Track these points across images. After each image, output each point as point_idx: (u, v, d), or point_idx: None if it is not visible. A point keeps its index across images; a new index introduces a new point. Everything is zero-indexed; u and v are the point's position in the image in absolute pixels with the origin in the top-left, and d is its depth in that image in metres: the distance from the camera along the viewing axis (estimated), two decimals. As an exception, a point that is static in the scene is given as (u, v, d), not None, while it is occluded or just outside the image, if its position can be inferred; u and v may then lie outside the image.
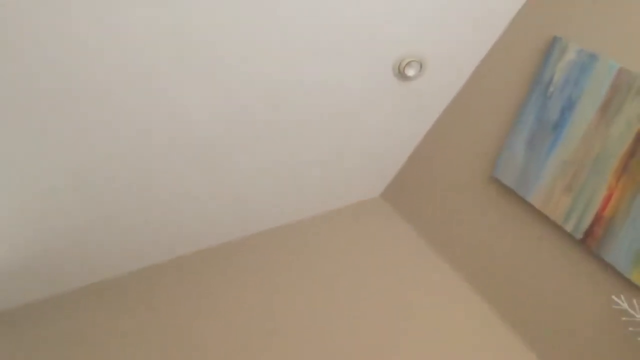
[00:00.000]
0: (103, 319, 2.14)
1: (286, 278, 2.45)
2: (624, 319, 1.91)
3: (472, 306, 2.43)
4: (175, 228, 2.34)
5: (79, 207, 1.95)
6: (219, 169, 2.19)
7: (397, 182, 2.99)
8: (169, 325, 2.16)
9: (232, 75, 1.83)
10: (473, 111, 2.46)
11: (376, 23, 1.93)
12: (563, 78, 1.99)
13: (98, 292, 2.26)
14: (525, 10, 2.19)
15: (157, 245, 2.35)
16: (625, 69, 1.79)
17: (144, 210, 2.14)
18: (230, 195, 2.37)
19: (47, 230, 1.94)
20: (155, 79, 1.68)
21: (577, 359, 2.09)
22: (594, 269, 2.00)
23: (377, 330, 2.25)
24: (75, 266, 2.17)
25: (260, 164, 2.30)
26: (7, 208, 1.77)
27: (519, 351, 2.25)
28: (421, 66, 2.20)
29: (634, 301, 1.88)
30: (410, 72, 2.19)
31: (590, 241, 1.96)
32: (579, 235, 1.99)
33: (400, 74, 2.20)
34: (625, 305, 1.87)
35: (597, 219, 1.92)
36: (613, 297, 1.93)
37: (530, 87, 2.14)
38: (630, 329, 1.89)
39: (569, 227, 2.02)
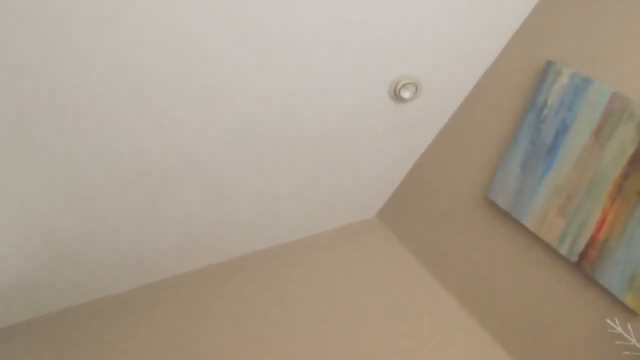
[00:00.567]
0: (101, 337, 2.12)
1: (281, 298, 2.43)
2: (618, 342, 1.91)
3: (467, 328, 2.41)
4: (172, 247, 2.33)
5: (76, 224, 1.94)
6: (215, 189, 2.19)
7: (393, 203, 3.00)
8: (168, 342, 2.14)
9: (230, 97, 1.84)
10: (468, 133, 2.48)
11: (372, 45, 1.95)
12: (557, 102, 2.01)
13: (97, 309, 2.24)
14: (520, 34, 2.21)
15: (154, 263, 2.34)
16: (618, 93, 1.81)
17: (141, 228, 2.14)
18: (225, 215, 2.37)
19: (42, 248, 1.93)
20: (154, 99, 1.69)
21: (572, 383, 2.08)
22: (588, 291, 2.00)
23: (371, 352, 2.24)
24: (73, 284, 2.15)
25: (257, 184, 2.31)
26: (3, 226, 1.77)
27: (513, 374, 2.24)
28: (417, 88, 2.21)
29: (628, 325, 1.88)
30: (405, 94, 2.21)
31: (584, 264, 1.96)
32: (574, 258, 1.99)
33: (396, 95, 2.22)
34: (619, 329, 1.87)
35: (592, 241, 1.93)
36: (607, 320, 1.93)
37: (524, 110, 2.16)
38: (626, 352, 1.89)
39: (563, 250, 2.02)
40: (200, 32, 1.58)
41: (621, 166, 1.82)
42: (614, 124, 1.83)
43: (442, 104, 2.45)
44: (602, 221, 1.89)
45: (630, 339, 1.84)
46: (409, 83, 2.18)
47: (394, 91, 2.20)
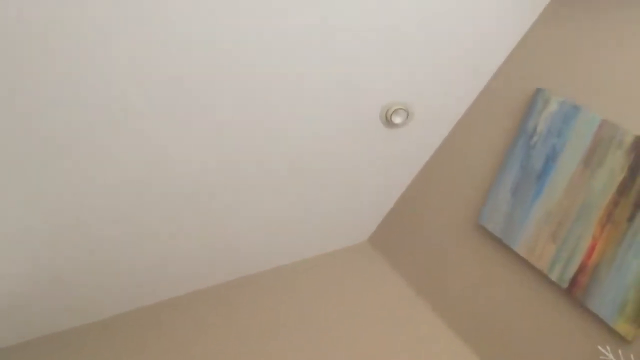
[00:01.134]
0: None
1: (272, 323, 2.41)
2: (610, 369, 1.90)
3: (458, 352, 2.40)
4: (163, 271, 2.31)
5: (66, 248, 1.92)
6: (207, 214, 2.18)
7: (384, 228, 3.00)
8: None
9: (222, 125, 1.85)
10: (459, 159, 2.49)
11: (364, 71, 1.97)
12: (546, 129, 2.03)
13: (85, 334, 2.21)
14: (509, 61, 2.25)
15: (144, 288, 2.32)
16: (607, 121, 1.83)
17: (132, 253, 2.12)
18: (217, 240, 2.35)
19: (33, 272, 1.91)
20: (152, 129, 1.70)
21: (564, 410, 2.06)
22: (580, 318, 1.99)
23: (362, 379, 2.22)
24: (63, 308, 2.13)
25: (249, 208, 2.30)
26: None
27: (505, 402, 2.22)
28: (408, 114, 2.23)
29: (619, 351, 1.88)
30: (397, 119, 2.22)
31: (575, 290, 1.96)
32: (565, 284, 1.99)
33: (387, 121, 2.23)
34: (611, 356, 1.86)
35: (582, 268, 1.93)
36: (599, 347, 1.92)
37: (514, 136, 2.18)
38: (617, 380, 1.88)
39: (554, 276, 2.03)
40: (197, 65, 1.60)
41: (611, 193, 1.83)
42: (603, 151, 1.84)
43: (433, 129, 2.47)
44: (593, 247, 1.90)
45: (622, 366, 1.84)
46: (400, 108, 2.19)
47: (386, 116, 2.21)
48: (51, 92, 1.45)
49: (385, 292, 2.73)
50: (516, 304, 2.23)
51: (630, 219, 1.78)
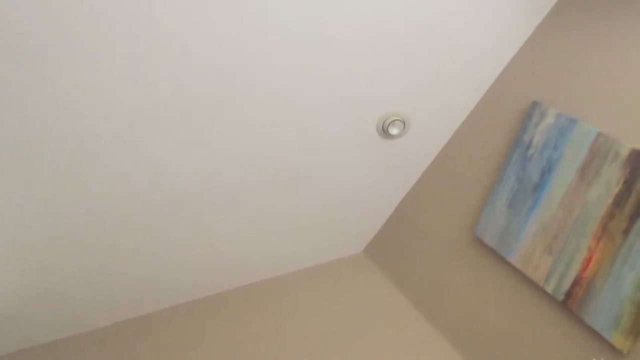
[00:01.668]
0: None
1: (266, 334, 2.40)
2: (605, 383, 1.90)
3: (454, 367, 2.39)
4: (156, 282, 2.30)
5: (63, 258, 1.91)
6: (203, 224, 2.18)
7: (380, 239, 2.99)
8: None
9: (220, 137, 1.85)
10: (455, 170, 2.50)
11: (361, 82, 1.98)
12: (542, 141, 2.03)
13: (79, 343, 2.19)
14: (505, 74, 2.26)
15: (138, 298, 2.31)
16: (603, 133, 1.84)
17: (128, 262, 2.11)
18: (213, 250, 2.35)
19: (29, 281, 1.90)
20: (148, 142, 1.70)
21: None
22: (575, 330, 1.99)
23: (357, 391, 2.20)
24: (59, 316, 2.11)
25: (244, 219, 2.30)
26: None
27: (500, 415, 2.20)
28: (404, 125, 2.24)
29: (615, 365, 1.87)
30: (393, 130, 2.23)
31: (571, 303, 1.96)
32: (560, 297, 1.99)
33: (384, 132, 2.24)
34: (606, 369, 1.86)
35: (578, 280, 1.93)
36: (594, 360, 1.92)
37: (510, 148, 2.18)
38: (613, 393, 1.87)
39: (549, 288, 2.03)
40: (196, 80, 1.60)
41: (606, 205, 1.84)
42: (599, 164, 1.85)
43: (429, 141, 2.48)
44: (588, 260, 1.90)
45: (617, 379, 1.83)
46: (397, 120, 2.20)
47: (382, 128, 2.22)
48: (47, 103, 1.45)
49: (380, 303, 2.72)
50: (512, 316, 2.23)
51: (626, 231, 1.79)
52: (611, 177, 1.82)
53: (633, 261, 1.77)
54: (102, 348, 2.19)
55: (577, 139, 1.92)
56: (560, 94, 2.04)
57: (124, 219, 1.94)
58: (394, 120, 2.20)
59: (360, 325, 2.55)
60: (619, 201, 1.80)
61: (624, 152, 1.79)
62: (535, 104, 2.06)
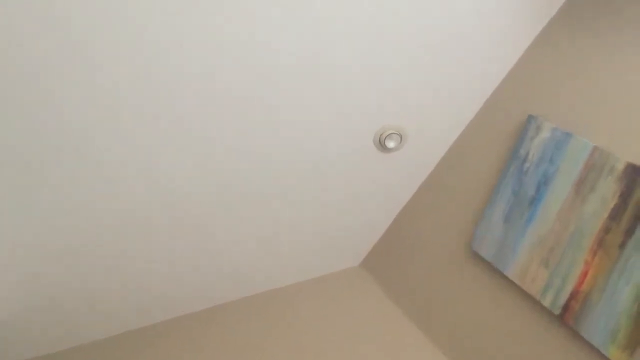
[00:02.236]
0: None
1: (261, 347, 2.38)
2: (603, 398, 1.89)
3: (450, 382, 2.38)
4: (153, 294, 2.29)
5: (62, 271, 1.90)
6: (200, 237, 2.17)
7: (377, 252, 2.99)
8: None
9: (220, 150, 1.85)
10: (451, 184, 2.50)
11: (358, 95, 1.99)
12: (538, 155, 2.04)
13: (81, 355, 2.18)
14: (501, 88, 2.27)
15: (134, 310, 2.29)
16: (599, 147, 1.85)
17: (127, 274, 2.10)
18: (209, 263, 2.34)
19: (27, 293, 1.89)
20: (151, 153, 1.70)
21: None
22: (572, 345, 1.99)
23: (353, 405, 2.19)
24: (58, 328, 2.10)
25: (240, 231, 2.29)
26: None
27: None
28: (401, 138, 2.25)
29: (613, 380, 1.87)
30: (390, 143, 2.24)
31: (568, 317, 1.95)
32: (557, 311, 1.99)
33: (380, 145, 2.24)
34: (603, 384, 1.85)
35: (574, 294, 1.93)
36: (591, 374, 1.91)
37: (507, 162, 2.19)
38: (610, 408, 1.86)
39: (546, 302, 2.02)
40: (197, 95, 1.61)
41: (602, 219, 1.84)
42: (594, 178, 1.86)
43: (426, 154, 2.49)
44: (585, 274, 1.90)
45: (615, 394, 1.82)
46: (393, 133, 2.21)
47: (379, 141, 2.22)
48: (48, 115, 1.46)
49: (377, 316, 2.71)
50: (509, 330, 2.22)
51: (622, 245, 1.79)
52: (607, 191, 1.83)
53: (629, 275, 1.77)
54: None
55: (572, 153, 1.93)
56: (556, 108, 2.06)
57: (123, 231, 1.93)
58: (390, 134, 2.20)
59: (356, 339, 2.54)
60: (615, 215, 1.81)
61: (620, 166, 1.79)
62: (530, 118, 2.07)
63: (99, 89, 1.48)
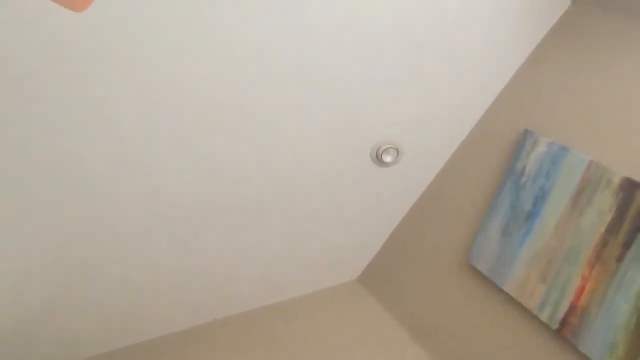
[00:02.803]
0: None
1: (258, 363, 2.37)
2: (601, 412, 1.88)
3: (449, 397, 2.36)
4: (147, 311, 2.27)
5: (55, 284, 1.89)
6: (195, 252, 2.17)
7: (374, 267, 2.98)
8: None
9: (217, 163, 1.86)
10: (448, 198, 2.51)
11: (355, 111, 2.00)
12: (535, 169, 2.05)
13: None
14: (497, 103, 2.29)
15: (128, 327, 2.28)
16: (595, 161, 1.86)
17: (119, 291, 2.09)
18: (205, 278, 2.33)
19: (22, 306, 1.87)
20: (146, 164, 1.70)
21: None
22: (570, 359, 1.98)
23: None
24: (52, 344, 2.08)
25: (237, 246, 2.29)
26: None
27: None
28: (398, 153, 2.25)
29: (611, 394, 1.86)
30: (387, 158, 2.24)
31: (565, 331, 1.95)
32: (555, 325, 1.98)
33: (377, 159, 2.25)
34: (602, 398, 1.84)
35: (572, 308, 1.93)
36: (590, 389, 1.91)
37: (503, 176, 2.20)
38: (609, 423, 1.86)
39: (544, 317, 2.02)
40: (195, 108, 1.62)
41: (599, 233, 1.85)
42: (591, 192, 1.87)
43: (423, 168, 2.50)
44: (582, 288, 1.90)
45: (614, 409, 1.81)
46: (390, 147, 2.22)
47: (376, 155, 2.23)
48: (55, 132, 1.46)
49: (374, 331, 2.70)
50: (506, 344, 2.21)
51: (619, 259, 1.79)
52: (603, 205, 1.84)
53: (627, 289, 1.77)
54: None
55: (569, 167, 1.94)
56: (552, 123, 2.07)
57: (111, 247, 1.93)
58: (387, 148, 2.21)
59: (354, 353, 2.52)
60: (612, 229, 1.81)
61: (616, 180, 1.80)
62: (527, 133, 2.09)
63: (92, 106, 1.49)
